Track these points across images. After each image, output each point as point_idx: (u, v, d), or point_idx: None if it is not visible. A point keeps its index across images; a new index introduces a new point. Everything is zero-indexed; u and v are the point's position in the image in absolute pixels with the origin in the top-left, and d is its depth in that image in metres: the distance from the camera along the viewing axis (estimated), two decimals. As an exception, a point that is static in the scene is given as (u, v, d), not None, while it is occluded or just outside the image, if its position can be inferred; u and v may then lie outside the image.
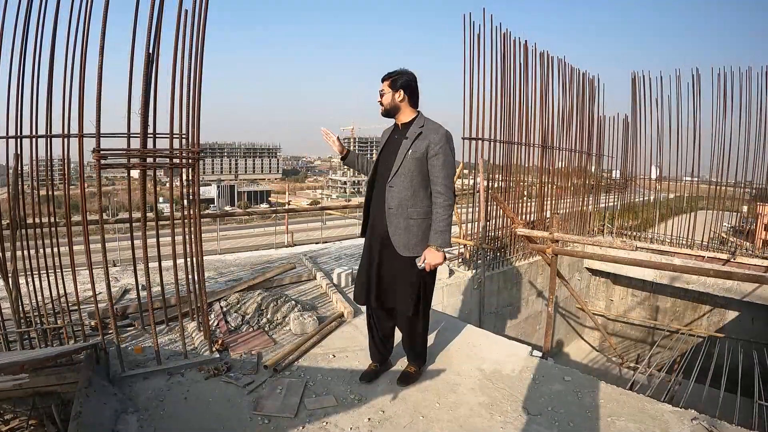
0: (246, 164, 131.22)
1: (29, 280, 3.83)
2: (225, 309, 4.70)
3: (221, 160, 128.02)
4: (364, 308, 3.66)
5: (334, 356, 3.91)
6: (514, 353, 4.05)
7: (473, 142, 6.47)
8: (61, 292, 3.88)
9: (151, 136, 3.51)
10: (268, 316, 4.55)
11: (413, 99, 3.08)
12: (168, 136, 3.53)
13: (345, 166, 3.84)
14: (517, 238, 7.33)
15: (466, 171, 7.81)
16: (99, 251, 3.43)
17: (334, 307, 4.96)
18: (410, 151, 2.96)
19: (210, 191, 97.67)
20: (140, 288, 4.26)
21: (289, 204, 10.47)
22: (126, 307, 4.75)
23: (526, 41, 7.12)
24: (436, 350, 4.08)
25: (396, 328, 3.48)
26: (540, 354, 4.03)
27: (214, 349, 3.85)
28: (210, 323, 4.46)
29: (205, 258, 7.60)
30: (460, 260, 6.83)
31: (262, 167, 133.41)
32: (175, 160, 3.57)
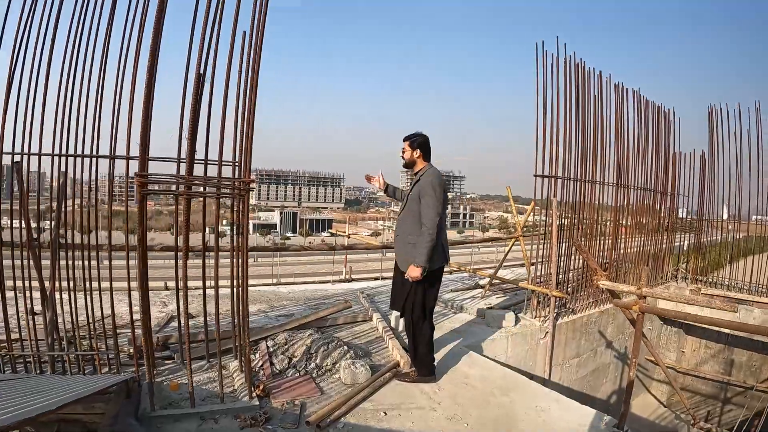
0: (309, 192, 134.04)
1: (68, 298, 3.56)
2: (272, 349, 4.24)
3: (285, 187, 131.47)
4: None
5: (386, 414, 3.36)
6: (589, 424, 3.38)
7: (545, 180, 5.80)
8: (102, 313, 3.60)
9: (201, 162, 3.16)
10: (317, 360, 4.05)
11: (425, 155, 3.90)
12: (219, 163, 3.16)
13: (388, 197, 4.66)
14: (588, 283, 6.52)
15: (537, 208, 7.05)
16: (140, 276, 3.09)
17: (390, 355, 4.41)
18: (411, 194, 3.81)
19: (273, 217, 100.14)
20: (182, 317, 3.87)
21: (349, 237, 10.16)
22: (168, 336, 4.42)
23: (600, 72, 6.45)
24: (501, 413, 3.48)
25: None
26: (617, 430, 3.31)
27: (254, 394, 3.40)
28: (254, 364, 4.03)
29: (258, 288, 7.41)
30: (527, 307, 6.07)
31: (325, 196, 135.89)
32: (224, 190, 3.17)
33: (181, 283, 3.17)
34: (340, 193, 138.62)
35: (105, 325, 3.69)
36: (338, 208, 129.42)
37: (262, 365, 3.97)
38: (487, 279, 7.27)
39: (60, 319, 3.59)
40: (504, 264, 7.51)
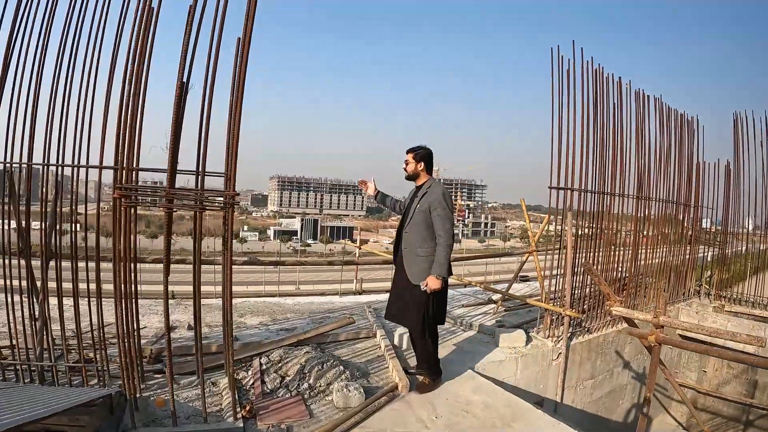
0: (331, 200, 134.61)
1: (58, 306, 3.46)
2: (265, 366, 4.04)
3: (307, 194, 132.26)
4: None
5: (378, 442, 3.10)
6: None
7: (561, 192, 5.49)
8: (91, 323, 3.47)
9: (192, 173, 3.04)
10: (311, 381, 3.83)
11: (428, 167, 3.95)
12: (197, 173, 2.99)
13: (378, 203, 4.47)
14: (605, 301, 6.15)
15: (551, 221, 6.68)
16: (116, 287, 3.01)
17: (389, 376, 4.15)
18: (418, 206, 3.80)
19: (294, 224, 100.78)
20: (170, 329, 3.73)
21: (360, 248, 9.72)
22: (162, 349, 4.23)
23: (620, 78, 6.11)
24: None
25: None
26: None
27: (240, 415, 3.22)
28: (245, 381, 3.85)
29: (263, 299, 7.23)
30: (539, 327, 5.73)
31: (346, 203, 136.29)
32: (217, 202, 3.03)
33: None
34: (362, 201, 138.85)
35: (93, 336, 3.53)
36: (360, 216, 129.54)
37: (252, 383, 3.78)
38: (502, 291, 6.94)
39: (56, 326, 3.51)
40: (521, 276, 7.19)
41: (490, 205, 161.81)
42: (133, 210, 2.97)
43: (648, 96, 6.74)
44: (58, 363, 3.49)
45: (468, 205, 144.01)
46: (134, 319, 3.12)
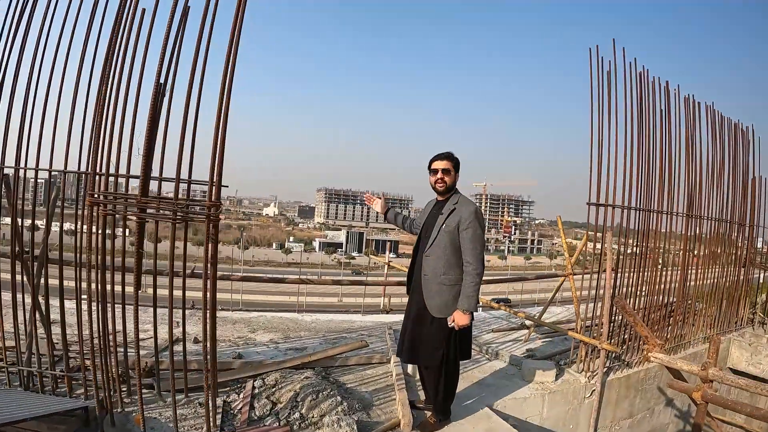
0: (378, 213, 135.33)
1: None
2: (258, 390, 3.71)
3: (353, 207, 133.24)
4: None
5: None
6: None
7: (601, 208, 4.90)
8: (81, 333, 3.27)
9: (185, 181, 2.79)
10: (303, 410, 3.44)
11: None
12: (194, 182, 2.82)
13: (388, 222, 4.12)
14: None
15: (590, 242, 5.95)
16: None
17: (394, 410, 3.71)
18: (444, 225, 3.24)
19: (339, 236, 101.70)
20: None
21: (388, 264, 9.07)
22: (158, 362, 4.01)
23: (667, 82, 5.43)
24: None
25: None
26: None
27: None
28: (234, 405, 3.53)
29: (281, 315, 6.89)
30: (573, 357, 5.12)
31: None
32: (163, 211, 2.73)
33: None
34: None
35: (84, 347, 3.30)
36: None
37: (241, 408, 3.45)
38: (533, 316, 6.32)
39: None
40: (560, 299, 6.55)
41: (537, 222, 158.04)
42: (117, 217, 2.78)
43: (699, 103, 6.00)
44: (44, 370, 3.34)
45: (515, 221, 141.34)
46: (112, 331, 2.93)
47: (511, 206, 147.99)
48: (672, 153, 5.53)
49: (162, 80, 2.61)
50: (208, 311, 2.78)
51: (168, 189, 2.89)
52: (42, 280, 3.34)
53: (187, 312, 6.35)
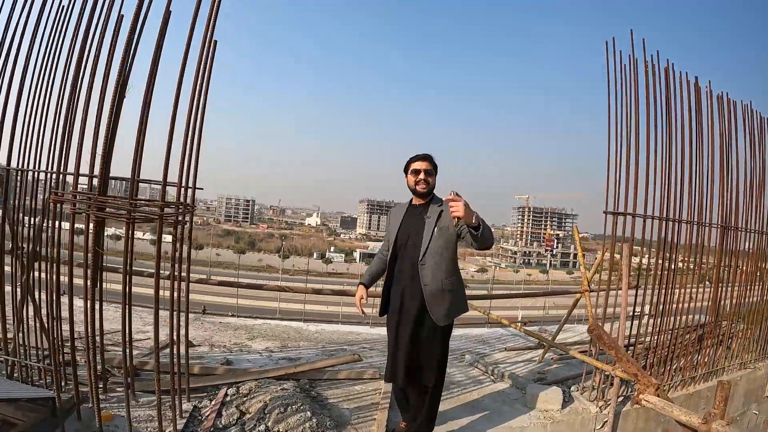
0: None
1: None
2: (229, 398, 3.56)
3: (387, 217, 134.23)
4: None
5: None
6: None
7: (620, 217, 4.40)
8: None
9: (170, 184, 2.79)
10: (269, 423, 3.22)
11: None
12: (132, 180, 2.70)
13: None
14: (674, 356, 4.80)
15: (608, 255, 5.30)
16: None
17: (371, 431, 3.41)
18: (436, 228, 3.04)
19: (377, 247, 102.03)
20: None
21: None
22: (144, 363, 4.06)
23: (696, 78, 4.85)
24: None
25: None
26: None
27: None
28: (204, 411, 3.37)
29: (285, 323, 6.65)
30: (585, 382, 4.59)
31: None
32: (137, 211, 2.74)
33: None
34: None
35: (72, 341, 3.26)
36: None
37: (208, 415, 3.30)
38: (547, 331, 5.78)
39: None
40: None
41: (581, 235, 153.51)
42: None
43: (735, 102, 5.36)
44: (22, 360, 3.33)
45: (557, 235, 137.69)
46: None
47: (554, 220, 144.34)
48: (704, 156, 4.91)
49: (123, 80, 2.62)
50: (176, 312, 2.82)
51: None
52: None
53: (190, 316, 6.22)
